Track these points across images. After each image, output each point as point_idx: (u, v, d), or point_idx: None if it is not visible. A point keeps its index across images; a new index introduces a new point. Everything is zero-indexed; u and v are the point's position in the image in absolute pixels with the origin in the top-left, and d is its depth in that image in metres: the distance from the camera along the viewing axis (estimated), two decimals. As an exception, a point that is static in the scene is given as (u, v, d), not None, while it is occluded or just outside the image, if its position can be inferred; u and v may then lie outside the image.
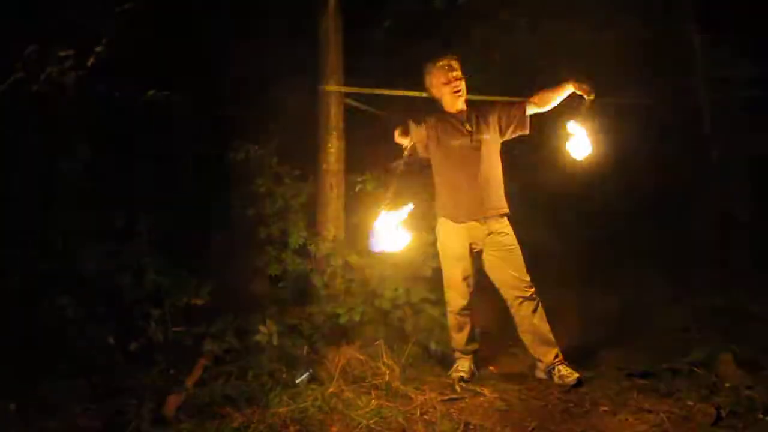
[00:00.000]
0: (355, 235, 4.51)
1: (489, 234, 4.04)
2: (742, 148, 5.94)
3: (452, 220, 4.05)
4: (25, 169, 4.21)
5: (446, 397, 3.81)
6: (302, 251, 4.36)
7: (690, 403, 3.70)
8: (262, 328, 3.96)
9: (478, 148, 4.03)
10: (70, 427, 3.35)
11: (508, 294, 4.06)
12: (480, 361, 4.32)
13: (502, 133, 4.09)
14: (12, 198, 4.08)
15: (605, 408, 3.72)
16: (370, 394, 3.72)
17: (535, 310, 4.06)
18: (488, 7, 5.96)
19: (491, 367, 4.33)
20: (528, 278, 4.06)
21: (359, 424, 3.42)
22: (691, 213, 6.06)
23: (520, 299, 4.05)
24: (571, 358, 4.18)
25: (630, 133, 5.36)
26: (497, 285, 4.08)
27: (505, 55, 5.72)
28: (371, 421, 3.43)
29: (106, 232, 4.18)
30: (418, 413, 3.57)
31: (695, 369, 4.07)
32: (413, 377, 3.91)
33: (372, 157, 4.72)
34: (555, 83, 4.05)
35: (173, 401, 3.53)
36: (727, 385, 3.84)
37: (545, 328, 4.08)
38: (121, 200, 4.36)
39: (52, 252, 4.03)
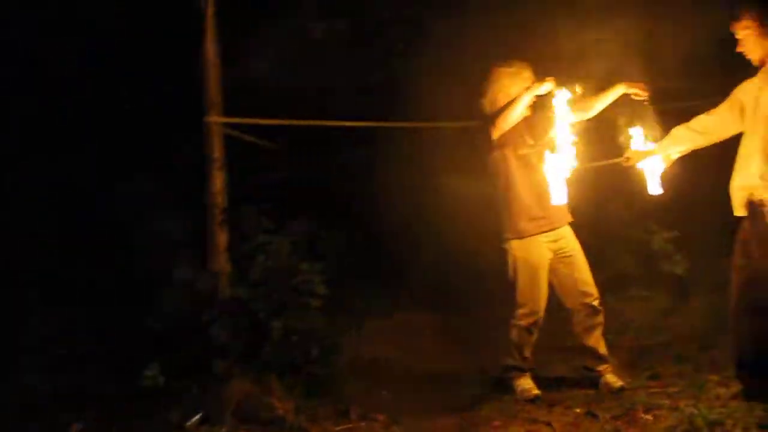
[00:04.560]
0: (243, 266, 4.43)
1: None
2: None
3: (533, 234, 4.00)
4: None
5: (342, 427, 3.79)
6: (186, 286, 4.24)
7: (577, 410, 3.85)
8: (147, 372, 3.81)
9: (540, 156, 3.97)
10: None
11: None
12: (375, 386, 4.32)
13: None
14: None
15: (497, 423, 3.80)
16: (265, 431, 3.63)
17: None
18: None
19: (384, 392, 4.34)
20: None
21: (254, 463, 3.33)
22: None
23: None
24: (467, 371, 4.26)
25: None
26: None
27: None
28: (266, 459, 3.35)
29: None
30: (314, 445, 3.53)
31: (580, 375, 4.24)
32: (307, 408, 3.86)
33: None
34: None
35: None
36: (611, 389, 4.00)
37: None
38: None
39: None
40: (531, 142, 4.03)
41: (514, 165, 4.02)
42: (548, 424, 3.72)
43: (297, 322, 4.17)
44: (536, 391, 4.06)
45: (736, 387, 3.65)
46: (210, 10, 4.51)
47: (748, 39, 3.38)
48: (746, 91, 3.50)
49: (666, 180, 3.81)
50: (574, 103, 3.88)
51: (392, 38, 6.26)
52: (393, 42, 6.23)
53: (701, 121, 3.67)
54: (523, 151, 4.02)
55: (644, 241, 5.56)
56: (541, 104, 3.99)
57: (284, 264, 4.35)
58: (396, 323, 5.43)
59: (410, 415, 3.94)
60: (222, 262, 4.46)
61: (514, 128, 4.01)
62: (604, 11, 5.07)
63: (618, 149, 3.86)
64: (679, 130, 3.72)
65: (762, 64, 3.40)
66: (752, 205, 3.43)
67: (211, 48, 4.55)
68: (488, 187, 4.18)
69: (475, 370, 4.59)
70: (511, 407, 3.97)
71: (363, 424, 3.83)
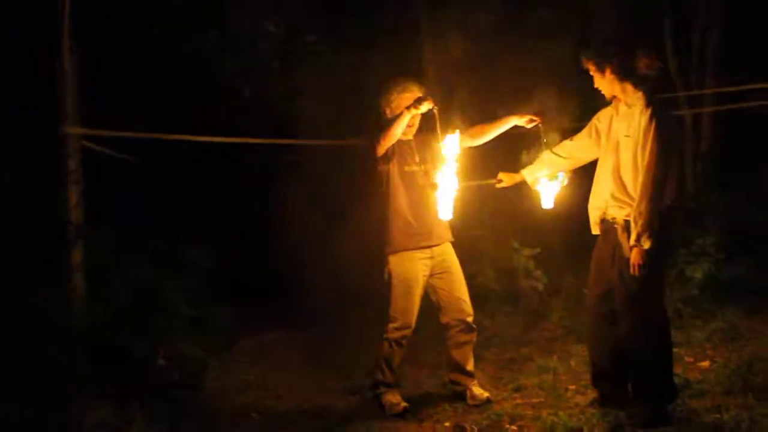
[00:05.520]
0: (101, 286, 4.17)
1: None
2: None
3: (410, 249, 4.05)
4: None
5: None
6: (34, 308, 3.92)
7: (446, 424, 3.93)
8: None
9: (426, 175, 4.00)
10: None
11: None
12: (244, 408, 4.20)
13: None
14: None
15: (368, 440, 3.80)
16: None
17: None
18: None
19: (253, 414, 4.20)
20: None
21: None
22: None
23: None
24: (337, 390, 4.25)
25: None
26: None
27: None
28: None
29: None
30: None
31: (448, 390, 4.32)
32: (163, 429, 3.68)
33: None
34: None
35: None
36: (477, 401, 4.11)
37: None
38: None
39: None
40: (418, 160, 4.12)
41: (397, 180, 4.09)
42: (419, 439, 3.78)
43: (160, 344, 3.98)
44: (404, 404, 4.11)
45: (592, 394, 3.86)
46: (66, 16, 4.27)
47: (595, 78, 3.65)
48: (603, 118, 3.76)
49: (532, 199, 4.05)
50: (465, 130, 4.04)
51: (265, 53, 6.19)
52: (267, 57, 6.16)
53: (564, 146, 3.91)
54: (409, 168, 4.11)
55: (507, 258, 5.79)
56: (431, 125, 4.06)
57: (146, 283, 4.16)
58: (265, 343, 5.32)
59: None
60: (77, 283, 4.18)
61: (404, 145, 4.11)
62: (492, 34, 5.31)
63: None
64: (545, 155, 3.95)
65: (612, 98, 3.67)
66: (604, 223, 3.66)
67: (67, 55, 4.31)
68: (372, 203, 4.21)
69: (345, 389, 4.56)
70: (381, 425, 3.98)
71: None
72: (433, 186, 3.85)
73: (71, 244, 4.17)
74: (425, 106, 3.89)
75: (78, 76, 4.29)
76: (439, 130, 3.88)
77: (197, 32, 5.80)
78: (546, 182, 4.02)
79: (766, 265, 5.32)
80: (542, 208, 4.06)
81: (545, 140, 3.98)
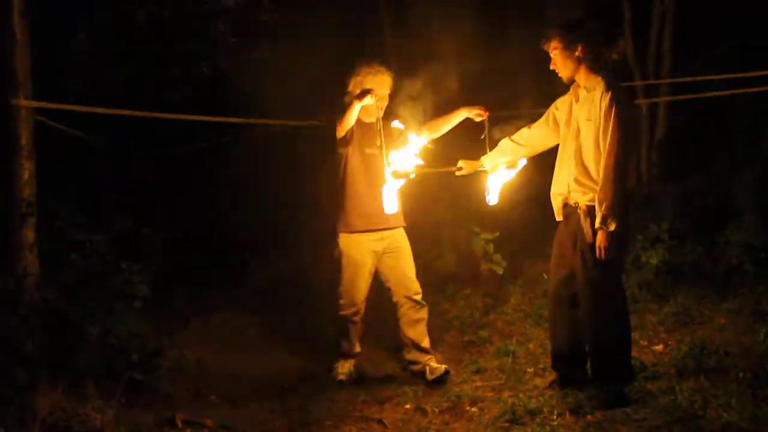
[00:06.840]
0: (54, 266, 4.03)
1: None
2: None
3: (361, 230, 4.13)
4: None
5: (165, 434, 3.56)
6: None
7: (407, 406, 3.94)
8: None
9: (382, 161, 4.03)
10: None
11: None
12: (202, 390, 4.13)
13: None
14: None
15: (329, 423, 3.78)
16: (79, 445, 3.33)
17: None
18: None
19: (212, 396, 4.14)
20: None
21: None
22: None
23: None
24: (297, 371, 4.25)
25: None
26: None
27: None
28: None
29: None
30: (134, 456, 3.27)
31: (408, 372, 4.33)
32: (128, 416, 3.58)
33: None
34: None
35: None
36: (436, 375, 4.12)
37: None
38: None
39: None
40: (379, 143, 4.12)
41: (357, 161, 4.14)
42: (380, 421, 3.78)
43: (116, 325, 3.88)
44: (343, 377, 4.26)
45: (551, 377, 3.91)
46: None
47: (557, 59, 3.65)
48: (561, 105, 3.77)
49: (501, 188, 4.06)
50: (424, 124, 4.14)
51: (219, 31, 6.07)
52: (221, 34, 6.04)
53: (523, 134, 3.91)
54: (370, 151, 4.15)
55: (467, 242, 5.82)
56: (395, 112, 4.15)
57: (101, 263, 4.04)
58: (222, 323, 5.24)
59: (239, 418, 3.80)
60: (28, 262, 4.03)
61: (367, 128, 4.16)
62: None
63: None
64: (504, 143, 3.96)
65: (571, 81, 3.67)
66: (567, 208, 3.69)
67: (19, 23, 4.12)
68: (326, 184, 4.22)
69: (305, 370, 4.53)
70: (342, 406, 3.98)
71: (189, 430, 3.63)
72: (394, 174, 3.92)
73: (23, 221, 4.03)
74: (368, 100, 3.99)
75: (30, 42, 4.13)
76: (380, 128, 4.02)
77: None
78: (504, 170, 4.03)
79: (716, 251, 5.45)
80: (500, 194, 4.08)
81: (485, 135, 4.04)
